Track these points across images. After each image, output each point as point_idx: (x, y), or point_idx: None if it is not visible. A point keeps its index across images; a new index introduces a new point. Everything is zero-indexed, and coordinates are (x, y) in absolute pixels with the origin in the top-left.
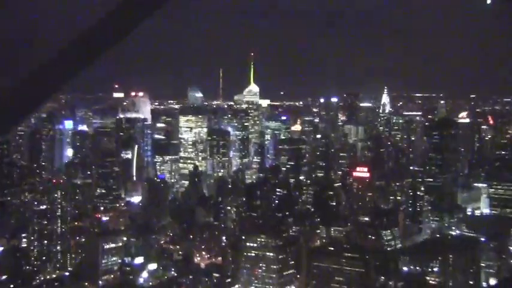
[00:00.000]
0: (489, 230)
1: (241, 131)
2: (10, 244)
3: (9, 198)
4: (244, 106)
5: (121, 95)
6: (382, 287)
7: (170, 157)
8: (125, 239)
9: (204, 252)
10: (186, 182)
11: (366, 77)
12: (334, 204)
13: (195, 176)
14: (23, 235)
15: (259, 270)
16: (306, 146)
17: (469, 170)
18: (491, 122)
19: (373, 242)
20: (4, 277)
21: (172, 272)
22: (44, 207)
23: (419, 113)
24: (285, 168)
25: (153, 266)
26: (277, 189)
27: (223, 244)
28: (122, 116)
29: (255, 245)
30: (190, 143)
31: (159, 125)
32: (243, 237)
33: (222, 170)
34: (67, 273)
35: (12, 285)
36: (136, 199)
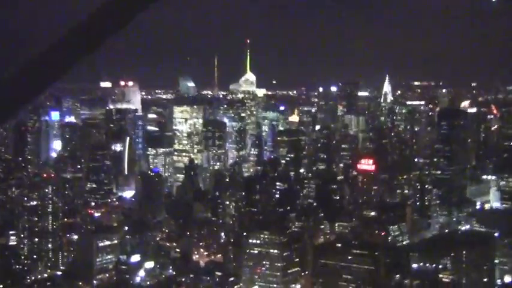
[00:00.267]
0: (502, 225)
1: (237, 122)
2: None
3: None
4: (240, 96)
5: (108, 84)
6: (397, 286)
7: (164, 150)
8: (119, 236)
9: (202, 250)
10: (181, 176)
11: (366, 65)
12: (338, 198)
13: (190, 169)
14: (12, 232)
15: (263, 268)
16: (306, 138)
17: (476, 162)
18: (495, 111)
19: (380, 238)
20: None
21: (170, 271)
22: (35, 203)
23: (422, 103)
24: (284, 161)
25: (149, 264)
26: (277, 183)
27: (223, 241)
28: (111, 106)
29: (258, 241)
30: (185, 134)
31: (150, 116)
32: (245, 234)
33: (218, 163)
34: (59, 273)
35: (1, 286)
36: (128, 194)
